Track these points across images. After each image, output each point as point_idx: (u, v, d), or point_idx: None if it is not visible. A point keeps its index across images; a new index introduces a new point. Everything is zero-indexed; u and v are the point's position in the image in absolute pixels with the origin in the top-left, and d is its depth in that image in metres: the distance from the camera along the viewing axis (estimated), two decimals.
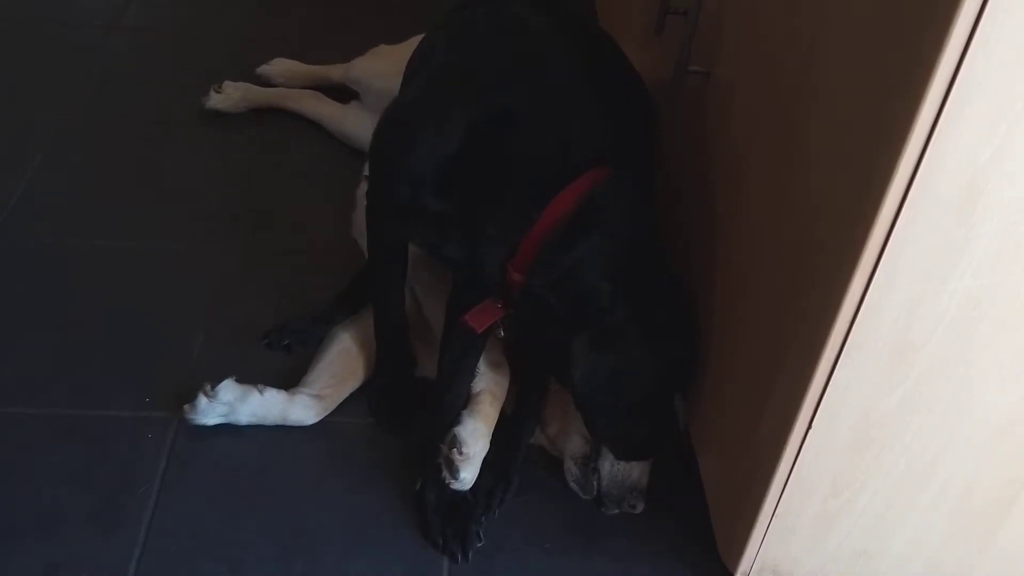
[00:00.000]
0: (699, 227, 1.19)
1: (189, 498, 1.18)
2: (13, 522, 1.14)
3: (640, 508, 1.19)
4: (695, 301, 1.16)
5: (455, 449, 1.13)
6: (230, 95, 1.81)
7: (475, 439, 1.15)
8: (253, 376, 1.29)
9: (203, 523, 1.16)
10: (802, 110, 0.89)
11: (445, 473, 1.14)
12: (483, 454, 1.16)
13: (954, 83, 0.67)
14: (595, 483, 1.20)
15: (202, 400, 1.23)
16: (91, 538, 1.13)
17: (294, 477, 1.22)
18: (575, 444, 1.21)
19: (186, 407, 1.24)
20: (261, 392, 1.25)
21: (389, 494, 1.22)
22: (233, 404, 1.25)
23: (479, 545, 1.16)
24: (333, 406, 1.29)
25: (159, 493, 1.18)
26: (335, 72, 1.86)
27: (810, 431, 0.91)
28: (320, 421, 1.28)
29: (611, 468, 1.19)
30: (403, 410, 1.31)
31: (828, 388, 0.87)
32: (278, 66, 1.89)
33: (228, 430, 1.26)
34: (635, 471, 1.19)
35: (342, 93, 1.82)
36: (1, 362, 1.33)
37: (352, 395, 1.32)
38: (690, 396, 1.19)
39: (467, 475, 1.14)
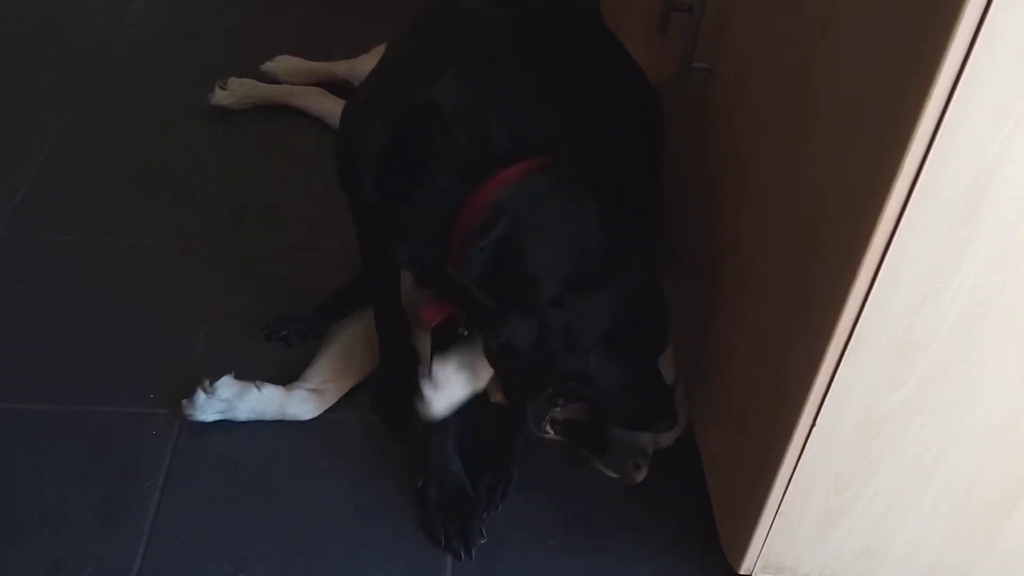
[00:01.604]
0: (703, 224, 1.19)
1: (193, 495, 1.19)
2: (17, 519, 1.14)
3: (641, 476, 1.19)
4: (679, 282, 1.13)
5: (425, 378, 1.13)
6: (235, 92, 1.81)
7: (443, 366, 1.14)
8: (257, 372, 1.29)
9: (207, 520, 1.16)
10: (806, 107, 0.89)
11: (418, 405, 1.13)
12: (459, 387, 1.14)
13: (959, 80, 0.67)
14: (547, 421, 1.20)
15: (200, 396, 1.24)
16: (95, 535, 1.13)
17: (297, 474, 1.23)
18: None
19: (184, 403, 1.25)
20: (259, 388, 1.26)
21: (391, 491, 1.22)
22: (231, 400, 1.25)
23: (482, 542, 1.16)
24: (332, 401, 1.29)
25: (163, 490, 1.19)
26: (339, 68, 1.86)
27: (814, 428, 0.91)
28: (323, 418, 1.29)
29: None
30: (405, 406, 1.31)
31: (832, 386, 0.87)
32: (282, 63, 1.89)
33: (231, 427, 1.26)
34: (644, 435, 1.19)
35: (347, 90, 1.82)
36: (5, 359, 1.33)
37: (355, 392, 1.33)
38: (694, 392, 1.19)
39: (438, 405, 1.12)
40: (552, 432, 1.22)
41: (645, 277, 1.08)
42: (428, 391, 1.11)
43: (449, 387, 1.12)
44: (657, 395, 1.14)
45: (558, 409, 1.21)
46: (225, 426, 1.26)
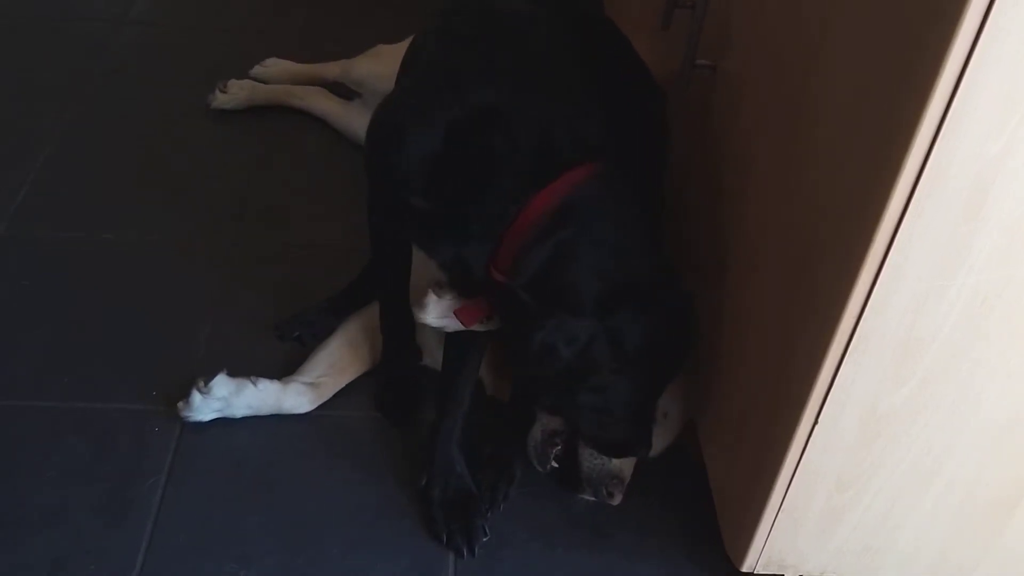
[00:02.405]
0: (706, 221, 1.19)
1: (195, 492, 1.19)
2: (20, 515, 1.14)
3: (618, 499, 1.18)
4: (697, 300, 1.13)
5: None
6: (235, 94, 1.81)
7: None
8: (259, 369, 1.29)
9: (209, 517, 1.16)
10: (809, 104, 0.88)
11: (415, 309, 1.14)
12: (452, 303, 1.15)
13: (963, 76, 0.67)
14: (551, 457, 1.20)
15: (196, 397, 1.24)
16: (98, 532, 1.13)
17: (300, 471, 1.23)
18: (550, 419, 1.21)
19: (180, 405, 1.25)
20: (255, 384, 1.26)
21: (394, 488, 1.22)
22: (228, 398, 1.25)
23: (485, 540, 1.16)
24: (329, 395, 1.30)
25: (165, 487, 1.19)
26: (329, 71, 1.85)
27: (816, 426, 0.91)
28: (326, 416, 1.29)
29: (592, 451, 1.18)
30: (408, 403, 1.31)
31: (835, 383, 0.87)
32: (273, 67, 1.88)
33: (233, 424, 1.26)
34: (613, 461, 1.18)
35: (343, 91, 1.82)
36: (8, 356, 1.33)
37: (356, 390, 1.33)
38: (696, 391, 1.19)
39: (432, 313, 1.13)
40: (556, 464, 1.22)
41: (686, 294, 1.09)
42: (430, 298, 1.13)
43: (444, 304, 1.14)
44: (646, 421, 1.13)
45: (559, 448, 1.21)
46: (227, 424, 1.26)
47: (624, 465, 1.19)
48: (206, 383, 1.24)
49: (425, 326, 1.23)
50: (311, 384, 1.29)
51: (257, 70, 1.87)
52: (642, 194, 1.12)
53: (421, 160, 1.09)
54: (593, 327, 1.01)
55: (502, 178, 1.06)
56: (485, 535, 1.16)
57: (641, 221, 1.08)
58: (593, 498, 1.20)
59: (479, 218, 1.07)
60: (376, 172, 1.18)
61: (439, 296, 1.13)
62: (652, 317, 1.04)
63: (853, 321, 0.82)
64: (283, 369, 1.32)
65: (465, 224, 1.09)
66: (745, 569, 1.08)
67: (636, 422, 1.11)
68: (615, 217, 1.06)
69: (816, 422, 0.90)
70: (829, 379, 0.87)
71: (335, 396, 1.31)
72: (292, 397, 1.27)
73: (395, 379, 1.32)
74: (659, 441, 1.25)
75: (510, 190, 1.05)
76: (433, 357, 1.32)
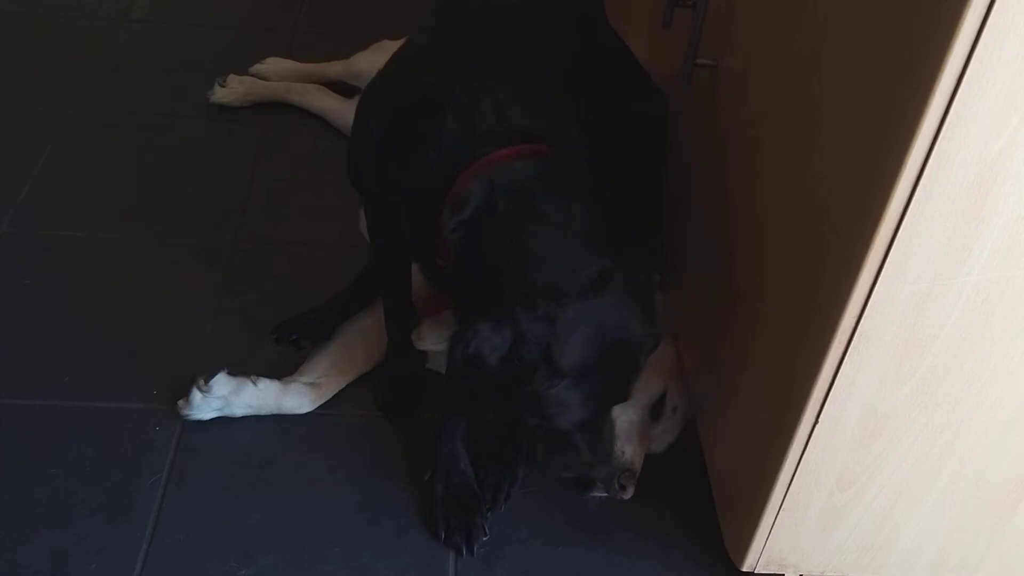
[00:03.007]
0: (708, 221, 1.19)
1: (197, 489, 1.19)
2: (23, 512, 1.14)
3: (630, 492, 1.17)
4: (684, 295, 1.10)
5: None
6: (234, 89, 1.81)
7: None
8: (260, 367, 1.29)
9: (211, 514, 1.16)
10: (810, 103, 0.88)
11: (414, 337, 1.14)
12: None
13: (964, 75, 0.67)
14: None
15: (196, 395, 1.24)
16: (100, 529, 1.14)
17: (301, 468, 1.23)
18: None
19: (180, 403, 1.25)
20: (255, 383, 1.26)
21: (395, 487, 1.22)
22: (228, 397, 1.25)
23: (485, 539, 1.16)
24: (329, 395, 1.30)
25: (167, 484, 1.19)
26: (331, 69, 1.85)
27: (817, 425, 0.91)
28: (328, 414, 1.29)
29: None
30: (411, 403, 1.31)
31: (836, 381, 0.87)
32: (272, 65, 1.88)
33: (235, 422, 1.26)
34: (628, 451, 1.18)
35: (345, 88, 1.82)
36: (10, 354, 1.33)
37: (358, 389, 1.33)
38: (697, 389, 1.19)
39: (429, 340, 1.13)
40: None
41: (640, 291, 0.98)
42: (424, 326, 1.14)
43: (439, 332, 1.15)
44: (600, 438, 1.04)
45: None
46: (228, 422, 1.26)
47: (635, 457, 1.19)
48: (206, 382, 1.24)
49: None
50: (311, 384, 1.29)
51: (257, 68, 1.87)
52: (602, 185, 1.04)
53: (371, 143, 1.10)
54: (519, 328, 0.91)
55: (432, 160, 1.04)
56: (485, 534, 1.16)
57: (584, 206, 1.00)
58: (605, 494, 1.19)
59: (418, 200, 1.05)
60: (348, 157, 1.18)
61: (432, 327, 1.12)
62: (598, 308, 0.94)
63: (854, 320, 0.82)
64: (284, 369, 1.32)
65: (410, 207, 1.06)
66: (746, 568, 1.08)
67: (588, 439, 1.02)
68: (546, 199, 0.99)
69: (817, 421, 0.90)
70: (830, 377, 0.87)
71: (336, 396, 1.31)
72: (292, 397, 1.27)
73: (398, 379, 1.32)
74: (666, 437, 1.25)
75: (439, 171, 1.03)
76: (438, 361, 1.32)
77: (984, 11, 0.64)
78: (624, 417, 1.19)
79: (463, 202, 1.00)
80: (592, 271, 0.96)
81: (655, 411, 1.22)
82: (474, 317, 0.94)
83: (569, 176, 1.02)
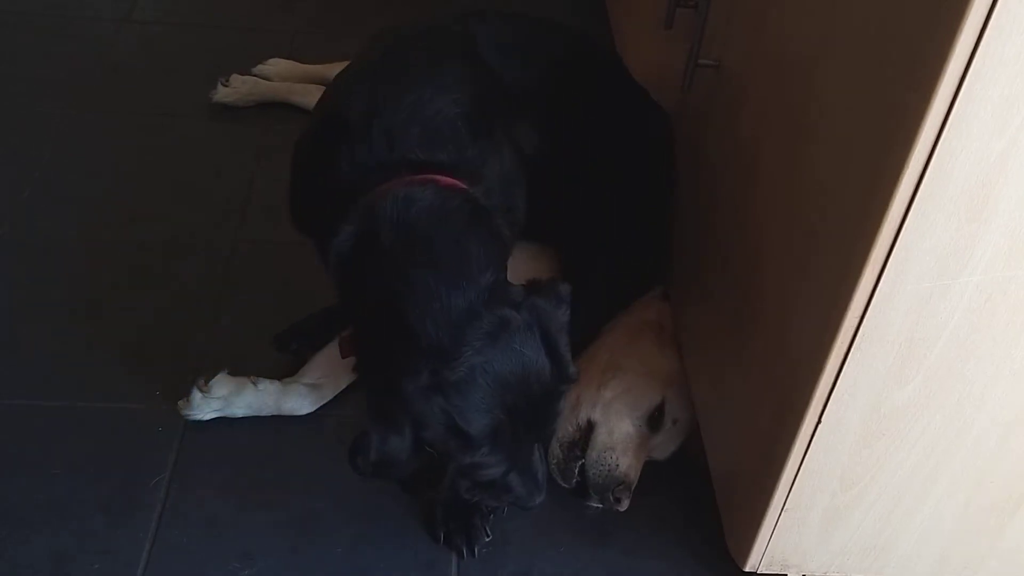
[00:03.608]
0: (709, 222, 1.19)
1: (199, 490, 1.19)
2: (26, 513, 1.15)
3: (625, 504, 1.17)
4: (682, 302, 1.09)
5: None
6: (237, 89, 1.81)
7: None
8: (261, 368, 1.29)
9: (213, 514, 1.17)
10: (812, 103, 0.88)
11: None
12: None
13: (966, 75, 0.66)
14: (576, 472, 1.19)
15: (197, 396, 1.24)
16: (103, 529, 1.14)
17: (303, 470, 1.23)
18: (564, 429, 1.21)
19: (181, 403, 1.25)
20: (255, 384, 1.26)
21: (397, 488, 1.21)
22: (228, 398, 1.25)
23: (487, 540, 1.16)
24: (329, 396, 1.29)
25: (169, 485, 1.19)
26: (333, 71, 1.84)
27: (820, 425, 0.90)
28: (330, 415, 1.29)
29: (596, 458, 1.18)
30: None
31: (838, 382, 0.87)
32: (275, 66, 1.88)
33: (237, 423, 1.26)
34: (621, 463, 1.18)
35: None
36: (13, 355, 1.34)
37: (361, 388, 1.32)
38: (700, 391, 1.18)
39: None
40: (579, 479, 1.20)
41: (546, 331, 0.91)
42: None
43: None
44: (532, 477, 0.99)
45: (582, 460, 1.19)
46: (230, 423, 1.26)
47: (630, 471, 1.19)
48: (206, 382, 1.24)
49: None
50: (312, 386, 1.29)
51: (260, 69, 1.87)
52: (481, 221, 0.95)
53: (303, 160, 1.10)
54: (410, 417, 0.86)
55: (327, 188, 1.00)
56: (487, 536, 1.16)
57: (480, 238, 0.92)
58: (600, 505, 1.19)
59: (328, 232, 0.97)
60: None
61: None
62: (480, 374, 0.86)
63: (857, 320, 0.82)
64: (285, 369, 1.32)
65: (322, 240, 1.00)
66: (748, 568, 1.08)
67: (518, 479, 0.97)
68: (426, 239, 0.91)
69: (819, 421, 0.90)
70: (832, 378, 0.87)
71: (339, 396, 1.31)
72: (292, 399, 1.27)
73: None
74: (668, 446, 1.25)
75: (338, 200, 0.98)
76: None
77: (986, 11, 0.64)
78: (621, 429, 1.19)
79: (341, 238, 0.95)
80: (483, 322, 0.88)
81: (654, 422, 1.22)
82: (369, 416, 0.89)
83: (466, 212, 0.95)
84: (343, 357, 1.02)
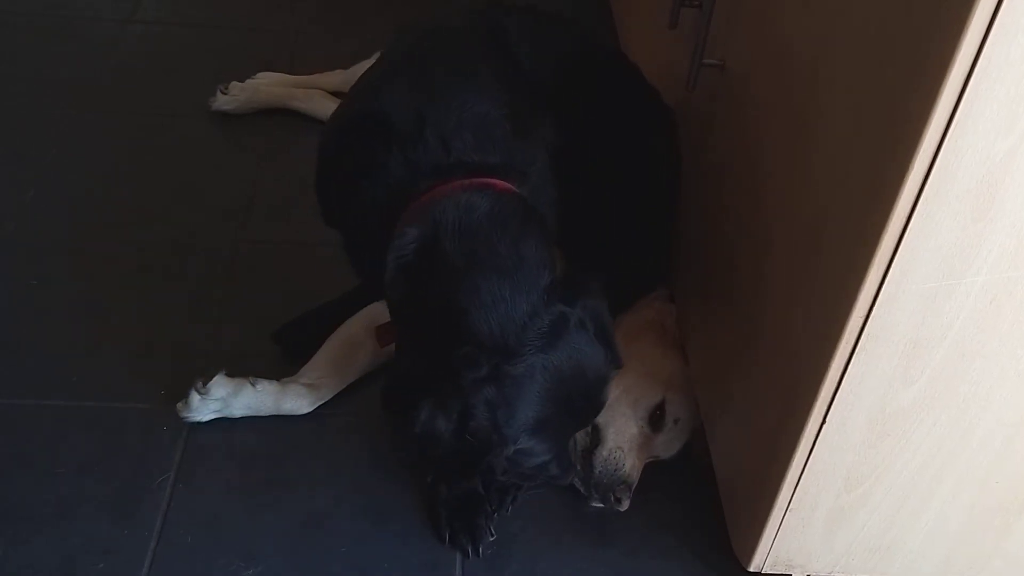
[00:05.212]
0: (713, 221, 1.19)
1: (204, 489, 1.19)
2: (31, 513, 1.15)
3: (625, 504, 1.17)
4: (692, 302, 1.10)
5: None
6: (236, 96, 1.80)
7: None
8: (263, 369, 1.29)
9: (218, 514, 1.17)
10: (816, 103, 0.88)
11: None
12: None
13: (972, 74, 0.66)
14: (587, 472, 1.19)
15: (195, 397, 1.24)
16: (108, 529, 1.14)
17: (307, 469, 1.23)
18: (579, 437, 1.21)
19: (179, 406, 1.25)
20: (254, 384, 1.26)
21: (401, 488, 1.22)
22: (226, 399, 1.25)
23: (491, 540, 1.16)
24: (328, 396, 1.29)
25: (174, 484, 1.19)
26: (324, 80, 1.83)
27: (824, 425, 0.90)
28: (334, 415, 1.29)
29: (606, 456, 1.18)
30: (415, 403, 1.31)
31: (843, 382, 0.87)
32: (264, 79, 1.84)
33: (241, 423, 1.26)
34: (627, 463, 1.18)
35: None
36: (17, 355, 1.34)
37: (365, 388, 1.33)
38: (705, 391, 1.18)
39: None
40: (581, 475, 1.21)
41: (598, 326, 0.96)
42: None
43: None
44: (564, 458, 1.04)
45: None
46: (234, 423, 1.26)
47: (633, 471, 1.19)
48: (204, 383, 1.24)
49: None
50: (311, 385, 1.29)
51: (249, 82, 1.83)
52: (535, 223, 0.98)
53: (324, 165, 1.09)
54: (466, 401, 0.90)
55: (378, 188, 1.00)
56: (491, 535, 1.16)
57: (536, 244, 0.95)
58: (601, 504, 1.19)
59: (365, 230, 1.00)
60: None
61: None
62: (545, 365, 0.91)
63: (862, 320, 0.82)
64: (285, 370, 1.32)
65: (357, 236, 1.03)
66: (752, 568, 1.08)
67: (556, 463, 1.02)
68: (493, 237, 0.94)
69: (824, 421, 0.90)
70: (837, 378, 0.87)
71: (341, 396, 1.31)
72: (291, 399, 1.27)
73: (404, 379, 1.31)
74: (672, 445, 1.25)
75: (381, 204, 0.99)
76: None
77: (992, 11, 0.64)
78: (627, 428, 1.19)
79: (405, 242, 0.96)
80: (543, 322, 0.92)
81: (655, 422, 1.22)
82: (421, 391, 0.92)
83: (521, 215, 0.97)
84: (381, 346, 1.06)
